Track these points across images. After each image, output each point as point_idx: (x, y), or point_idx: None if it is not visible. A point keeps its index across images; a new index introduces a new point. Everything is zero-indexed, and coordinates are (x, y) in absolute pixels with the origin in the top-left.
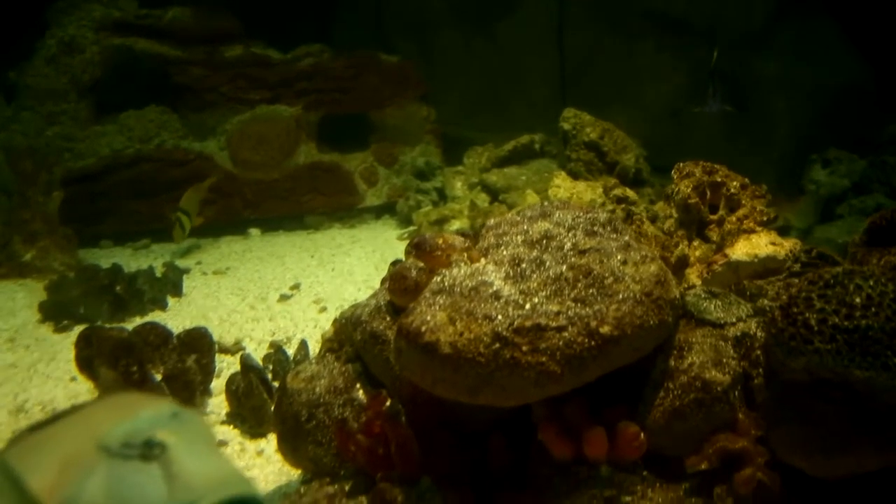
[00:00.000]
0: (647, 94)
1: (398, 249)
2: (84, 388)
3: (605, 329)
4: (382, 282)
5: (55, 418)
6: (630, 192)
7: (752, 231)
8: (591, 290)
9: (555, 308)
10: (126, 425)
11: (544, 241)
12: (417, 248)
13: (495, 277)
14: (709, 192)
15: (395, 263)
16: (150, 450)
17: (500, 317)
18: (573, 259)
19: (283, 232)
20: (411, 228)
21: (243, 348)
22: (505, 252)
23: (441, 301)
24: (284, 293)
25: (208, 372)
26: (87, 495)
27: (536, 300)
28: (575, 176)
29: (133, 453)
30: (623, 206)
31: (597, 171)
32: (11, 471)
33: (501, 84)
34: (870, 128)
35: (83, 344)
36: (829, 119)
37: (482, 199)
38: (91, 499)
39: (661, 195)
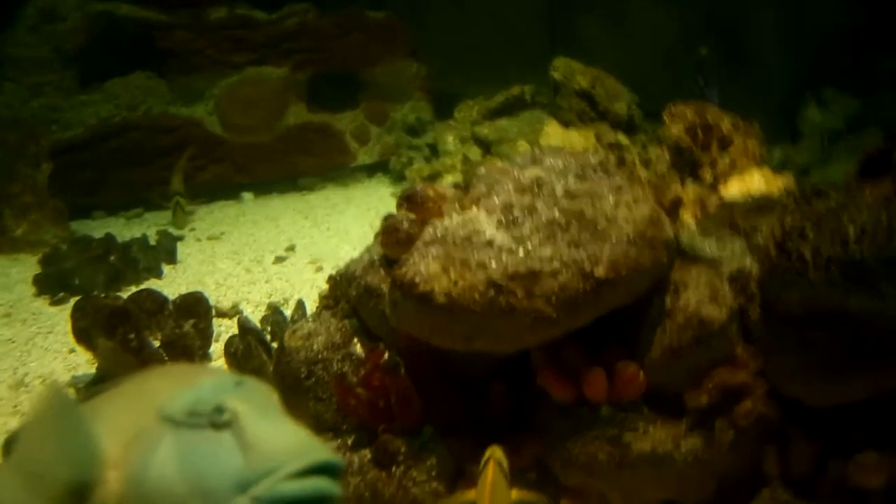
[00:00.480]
0: (639, 41)
1: (393, 206)
2: (83, 360)
3: (599, 271)
4: (376, 237)
5: (96, 392)
6: (622, 138)
7: (745, 170)
8: (584, 234)
9: (548, 252)
10: (188, 395)
11: (535, 187)
12: (409, 200)
13: (487, 225)
14: (700, 133)
15: (388, 218)
16: (219, 417)
17: (493, 264)
18: (565, 203)
19: (277, 194)
20: (405, 185)
21: (241, 311)
22: (496, 200)
23: (434, 251)
24: (280, 255)
25: (206, 336)
26: (156, 467)
27: (530, 246)
28: (567, 125)
29: (201, 422)
30: (615, 151)
31: (589, 119)
32: (82, 420)
33: (491, 36)
34: (863, 67)
35: (79, 315)
36: (823, 60)
37: (474, 153)
38: (161, 471)
39: (654, 140)
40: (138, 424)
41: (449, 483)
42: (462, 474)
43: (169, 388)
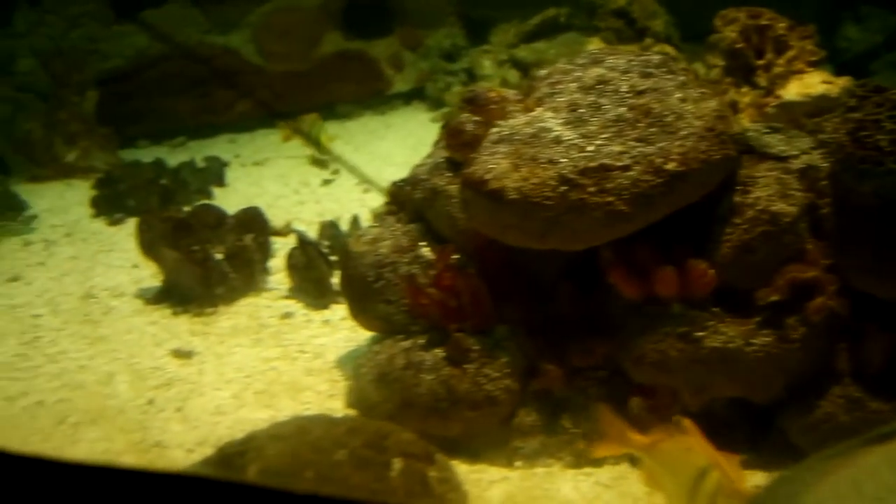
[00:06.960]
0: None
1: (433, 131)
2: (147, 273)
3: (670, 165)
4: (435, 144)
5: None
6: (669, 48)
7: (803, 72)
8: (652, 129)
9: (618, 148)
10: None
11: (599, 86)
12: (471, 102)
13: (554, 123)
14: (754, 37)
15: (449, 121)
16: None
17: (563, 160)
18: (631, 100)
19: None
20: (445, 110)
21: (295, 229)
22: (560, 99)
23: (503, 149)
24: (326, 178)
25: (265, 250)
26: None
27: (599, 142)
28: (609, 43)
29: None
30: None
31: (627, 38)
32: None
33: None
34: None
35: (144, 227)
36: None
37: (512, 76)
38: None
39: (706, 50)
40: None
41: (521, 380)
42: (534, 372)
43: None
